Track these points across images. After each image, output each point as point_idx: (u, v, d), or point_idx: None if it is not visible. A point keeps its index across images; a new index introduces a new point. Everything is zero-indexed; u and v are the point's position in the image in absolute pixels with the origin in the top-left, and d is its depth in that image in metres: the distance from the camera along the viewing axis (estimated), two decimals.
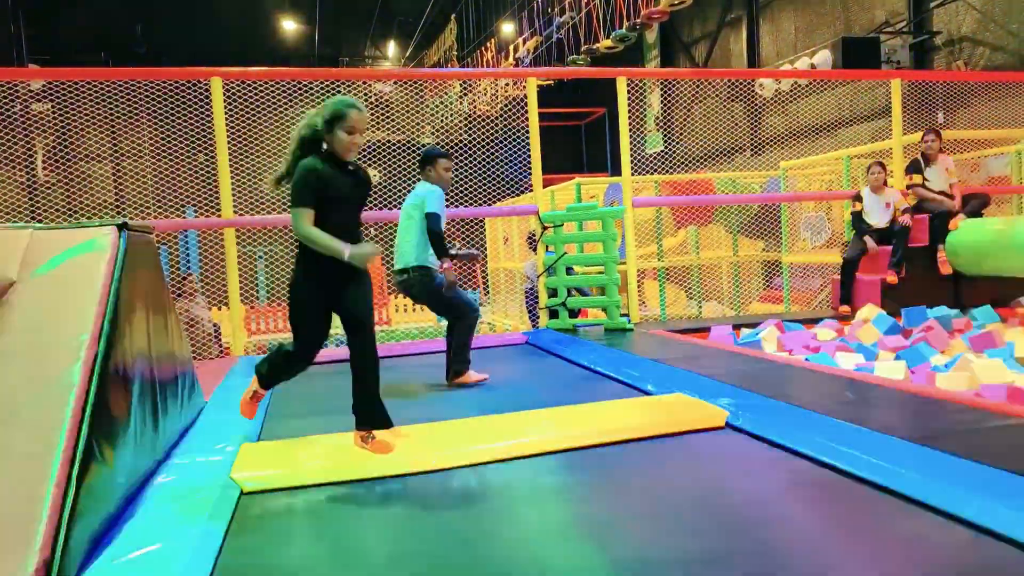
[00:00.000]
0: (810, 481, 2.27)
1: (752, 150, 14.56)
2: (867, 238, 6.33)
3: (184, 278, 6.99)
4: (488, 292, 14.10)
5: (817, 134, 12.68)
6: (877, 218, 6.39)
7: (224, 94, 5.55)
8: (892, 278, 6.05)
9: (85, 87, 6.33)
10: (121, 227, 2.40)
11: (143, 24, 20.10)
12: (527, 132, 6.14)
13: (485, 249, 13.59)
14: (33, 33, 18.86)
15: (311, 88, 9.15)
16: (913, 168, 6.49)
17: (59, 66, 14.05)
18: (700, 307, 9.93)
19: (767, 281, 10.16)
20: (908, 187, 6.53)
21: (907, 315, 5.25)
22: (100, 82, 6.45)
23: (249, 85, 7.24)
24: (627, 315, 6.14)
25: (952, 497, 1.96)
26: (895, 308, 5.52)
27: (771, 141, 14.17)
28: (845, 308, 6.23)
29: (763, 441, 2.63)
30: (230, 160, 5.56)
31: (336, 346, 9.84)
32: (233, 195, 5.56)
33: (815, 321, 5.75)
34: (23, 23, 18.61)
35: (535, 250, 6.44)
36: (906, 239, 6.16)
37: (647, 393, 3.49)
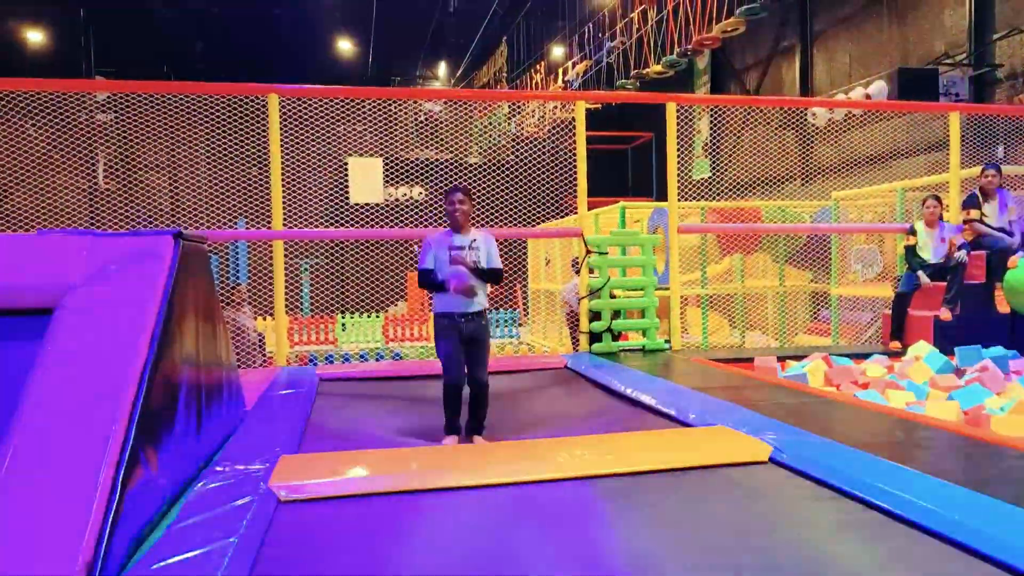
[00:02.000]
0: (856, 522, 2.20)
1: (802, 179, 14.34)
2: (920, 273, 6.16)
3: (233, 287, 7.14)
4: (528, 312, 14.11)
5: (870, 165, 12.43)
6: (931, 253, 6.22)
7: (278, 110, 5.70)
8: (946, 315, 5.87)
9: (147, 99, 6.56)
10: (176, 236, 2.46)
11: (204, 41, 20.80)
12: (573, 154, 6.15)
13: (526, 270, 13.62)
14: (101, 46, 19.67)
15: (363, 106, 9.32)
16: (971, 203, 6.31)
17: (123, 79, 14.59)
18: (743, 336, 9.76)
19: (814, 313, 9.94)
20: (965, 222, 6.34)
21: (961, 354, 5.07)
22: (161, 95, 6.68)
23: (303, 102, 7.42)
24: (668, 340, 6.18)
25: (1005, 547, 1.87)
26: (948, 346, 5.33)
27: (822, 170, 13.94)
28: (896, 344, 6.06)
29: (808, 478, 2.56)
30: (282, 174, 5.68)
31: (376, 360, 9.94)
32: (283, 208, 5.68)
33: (864, 356, 5.60)
34: (93, 36, 19.43)
35: (579, 273, 6.46)
36: (962, 275, 5.98)
37: (688, 423, 3.43)
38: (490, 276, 3.98)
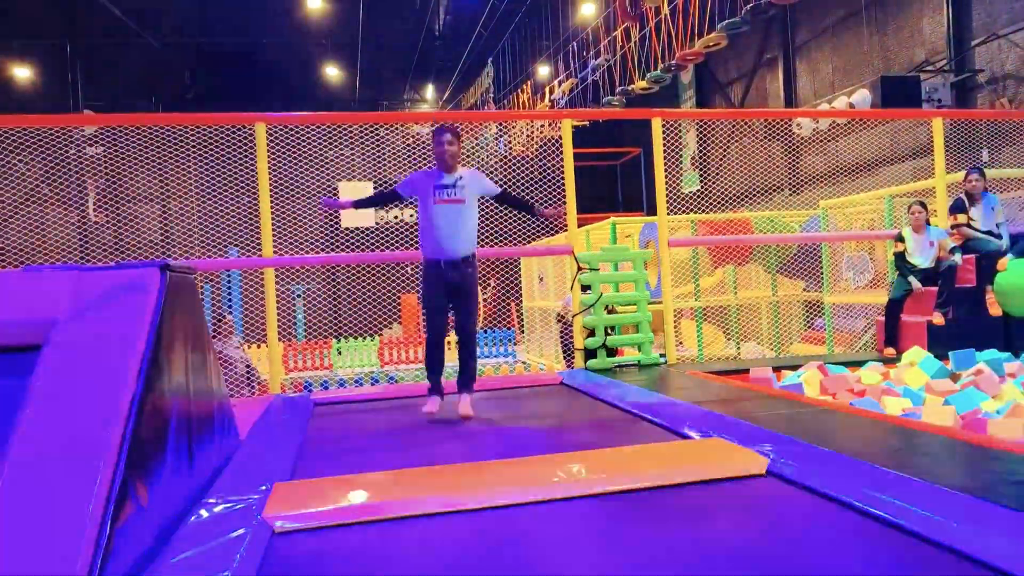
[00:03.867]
0: (854, 532, 2.18)
1: (791, 189, 14.44)
2: (912, 278, 6.18)
3: (220, 319, 7.11)
4: (523, 331, 14.09)
5: (857, 173, 12.53)
6: (921, 258, 6.25)
7: (268, 138, 5.71)
8: (939, 320, 5.89)
9: (136, 131, 6.57)
10: (163, 268, 2.45)
11: (192, 71, 20.90)
12: (562, 172, 6.18)
13: (520, 289, 13.63)
14: (88, 80, 19.75)
15: (352, 131, 9.36)
16: (958, 208, 6.36)
17: (112, 111, 14.64)
18: (739, 347, 9.77)
19: (808, 321, 9.97)
20: (953, 227, 6.38)
21: (955, 358, 5.08)
22: (150, 127, 6.70)
23: (292, 128, 7.43)
24: (664, 354, 6.18)
25: (1005, 552, 1.86)
26: (942, 351, 5.35)
27: (810, 180, 14.05)
28: (890, 351, 6.07)
29: (806, 490, 2.55)
30: (273, 201, 5.69)
31: (372, 383, 9.91)
32: (273, 235, 5.68)
33: (859, 364, 5.60)
34: (79, 71, 19.50)
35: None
36: (953, 279, 6.00)
37: (685, 437, 3.42)
38: (518, 200, 4.15)
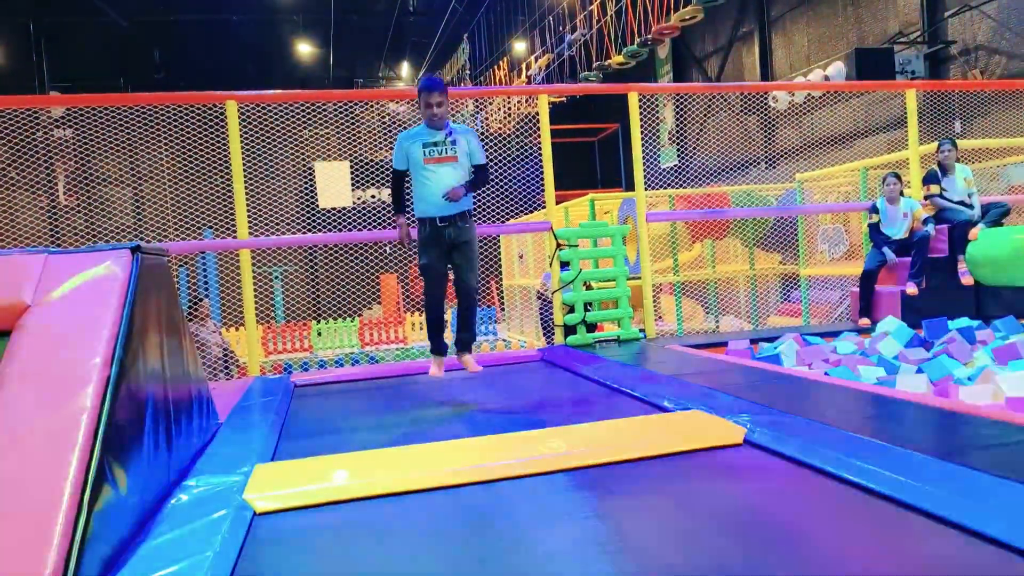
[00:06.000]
0: (831, 498, 2.22)
1: (767, 163, 14.50)
2: (886, 249, 6.26)
3: (197, 302, 7.03)
4: (504, 309, 14.11)
5: (832, 146, 12.61)
6: (895, 229, 6.32)
7: (240, 117, 5.62)
8: (912, 289, 5.98)
9: (105, 113, 6.43)
10: (134, 250, 2.41)
11: (161, 50, 20.47)
12: (540, 149, 6.15)
13: (500, 267, 13.62)
14: (54, 61, 19.27)
15: (327, 110, 9.24)
16: (931, 179, 6.43)
17: (79, 92, 14.32)
18: (717, 321, 9.86)
19: (785, 294, 10.07)
20: (926, 197, 6.46)
21: (928, 327, 5.17)
22: (120, 107, 6.56)
23: (265, 108, 7.33)
24: (643, 329, 6.22)
25: (978, 514, 1.90)
26: (916, 320, 5.43)
27: (786, 153, 14.11)
28: (865, 321, 6.16)
29: (782, 458, 2.59)
30: (246, 182, 5.61)
31: (352, 365, 9.88)
32: (249, 216, 5.61)
33: (834, 334, 5.68)
34: (44, 51, 19.03)
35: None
36: (926, 250, 6.09)
37: (664, 410, 3.45)
38: (479, 183, 3.85)
